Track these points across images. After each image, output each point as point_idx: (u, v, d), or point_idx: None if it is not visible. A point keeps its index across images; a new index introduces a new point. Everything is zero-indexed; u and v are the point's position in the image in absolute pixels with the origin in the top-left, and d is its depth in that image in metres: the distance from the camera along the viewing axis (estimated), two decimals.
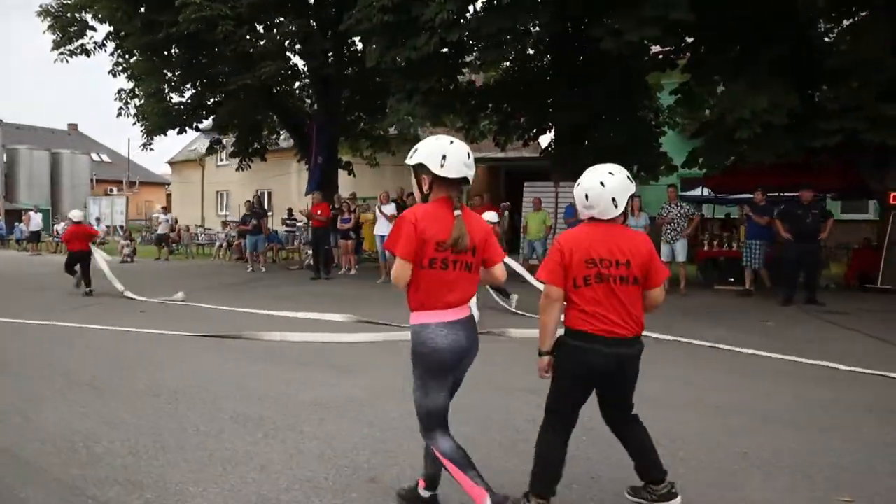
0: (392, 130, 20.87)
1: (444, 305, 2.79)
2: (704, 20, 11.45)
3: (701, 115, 19.41)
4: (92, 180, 46.26)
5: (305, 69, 18.84)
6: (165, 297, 11.22)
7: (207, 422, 4.55)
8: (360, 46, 17.58)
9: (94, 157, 48.66)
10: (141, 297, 11.44)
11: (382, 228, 14.42)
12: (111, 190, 49.34)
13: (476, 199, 16.37)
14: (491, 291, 9.88)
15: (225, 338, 7.61)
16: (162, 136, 18.23)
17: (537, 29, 11.84)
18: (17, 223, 26.39)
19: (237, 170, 20.48)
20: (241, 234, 20.90)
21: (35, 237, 24.92)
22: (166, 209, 23.19)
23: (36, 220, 24.77)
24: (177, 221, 23.95)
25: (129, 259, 21.05)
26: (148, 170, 52.36)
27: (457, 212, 2.80)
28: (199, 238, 25.69)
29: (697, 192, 17.45)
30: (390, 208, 14.42)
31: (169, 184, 53.36)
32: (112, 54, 18.35)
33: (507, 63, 17.10)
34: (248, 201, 18.08)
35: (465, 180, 2.86)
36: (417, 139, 3.19)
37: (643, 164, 15.26)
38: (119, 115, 18.93)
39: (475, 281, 2.94)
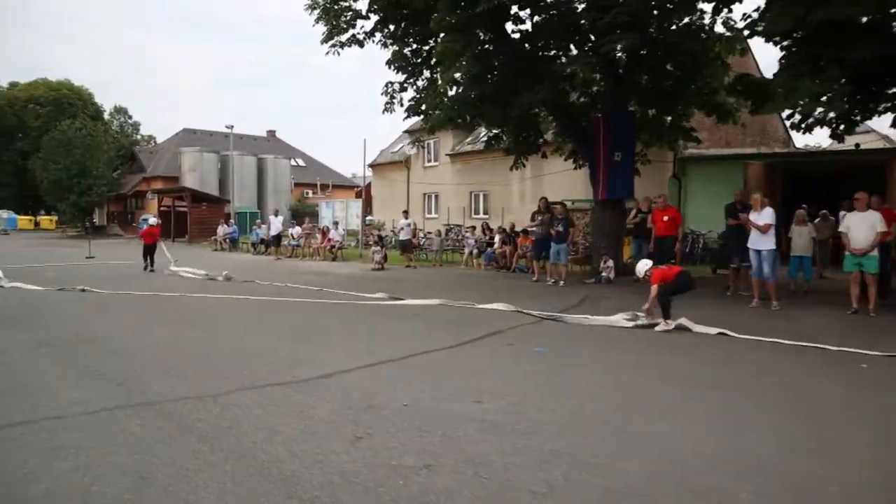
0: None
1: None
2: None
3: None
4: (291, 183, 46.18)
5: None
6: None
7: None
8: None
9: (292, 162, 48.69)
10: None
11: (757, 241, 11.00)
12: (307, 193, 49.28)
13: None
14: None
15: None
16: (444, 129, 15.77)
17: None
18: (254, 227, 25.46)
19: (511, 168, 17.74)
20: (502, 241, 18.28)
21: (276, 241, 23.58)
22: (406, 213, 20.93)
23: (276, 224, 23.43)
24: (416, 226, 21.69)
25: (379, 266, 18.97)
26: (339, 173, 51.98)
27: None
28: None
29: None
30: (766, 216, 10.96)
31: (358, 186, 52.82)
32: (385, 45, 16.18)
33: None
34: (561, 204, 15.26)
35: None
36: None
37: None
38: (385, 110, 16.81)
39: None
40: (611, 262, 15.11)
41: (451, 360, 6.79)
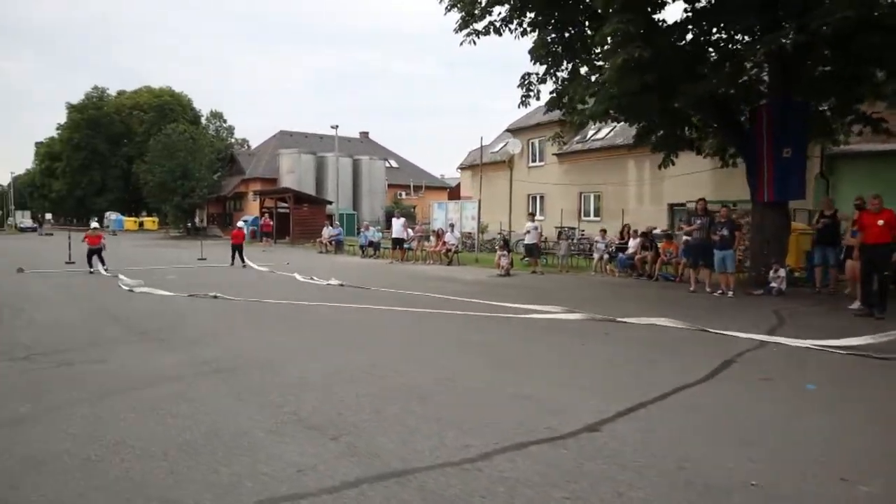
0: None
1: None
2: None
3: None
4: (385, 185, 45.46)
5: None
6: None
7: None
8: None
9: (385, 163, 48.00)
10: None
11: None
12: (400, 194, 48.49)
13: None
14: None
15: None
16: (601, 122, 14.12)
17: None
18: (361, 230, 24.50)
19: (660, 167, 15.87)
20: (642, 245, 16.43)
21: (398, 244, 22.43)
22: (533, 215, 19.35)
23: (398, 227, 22.26)
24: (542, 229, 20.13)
25: (505, 272, 17.51)
26: (430, 174, 51.01)
27: None
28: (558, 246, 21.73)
29: None
30: None
31: (450, 187, 51.79)
32: (523, 33, 14.70)
33: None
34: (724, 206, 13.47)
35: None
36: None
37: None
38: (522, 104, 15.32)
39: None
40: (782, 272, 13.17)
41: (719, 404, 5.21)
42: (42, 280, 15.54)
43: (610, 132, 27.60)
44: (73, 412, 4.83)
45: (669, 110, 13.95)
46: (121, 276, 15.71)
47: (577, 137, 30.13)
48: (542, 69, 14.94)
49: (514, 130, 33.16)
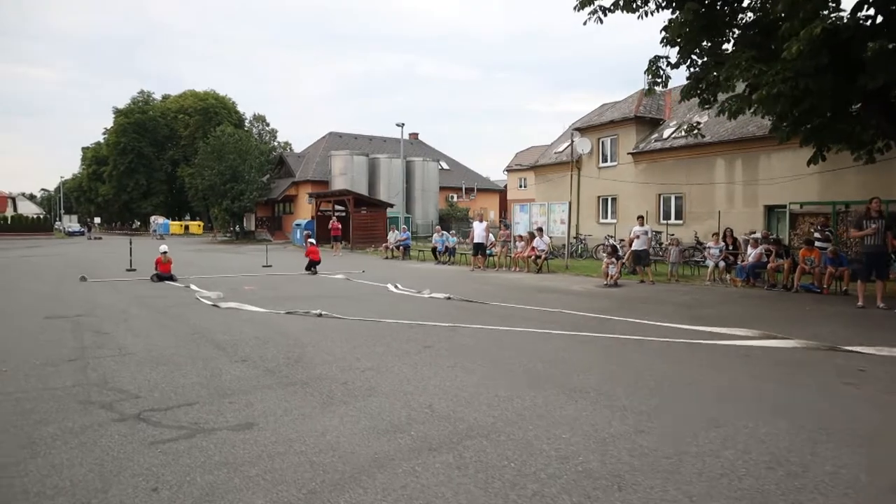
0: None
1: None
2: None
3: None
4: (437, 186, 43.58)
5: None
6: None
7: None
8: None
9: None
10: None
11: None
12: (451, 197, 46.61)
13: None
14: None
15: None
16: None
17: None
18: (434, 234, 22.56)
19: (809, 163, 13.59)
20: (776, 253, 14.08)
21: (479, 249, 20.39)
22: (642, 219, 17.16)
23: (479, 231, 20.19)
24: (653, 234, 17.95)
25: (613, 282, 15.40)
26: (482, 176, 48.99)
27: None
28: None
29: None
30: None
31: (500, 190, 49.73)
32: (655, 9, 12.61)
33: None
34: None
35: None
36: None
37: None
38: (648, 91, 13.27)
39: None
40: None
41: None
42: (109, 290, 13.82)
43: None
44: None
45: (832, 98, 11.69)
46: (194, 287, 13.96)
47: (655, 135, 27.89)
48: (673, 52, 12.85)
49: (582, 129, 31.01)
